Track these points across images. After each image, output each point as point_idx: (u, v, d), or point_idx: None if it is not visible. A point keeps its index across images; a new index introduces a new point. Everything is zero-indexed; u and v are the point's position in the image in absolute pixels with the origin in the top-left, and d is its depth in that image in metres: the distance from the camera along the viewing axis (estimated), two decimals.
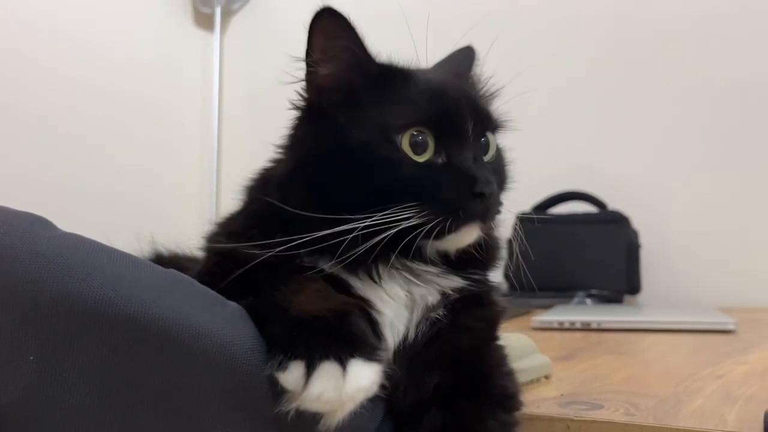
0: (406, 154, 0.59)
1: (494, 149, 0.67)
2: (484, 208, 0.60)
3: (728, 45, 1.90)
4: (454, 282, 0.63)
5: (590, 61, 2.07)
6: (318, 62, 0.61)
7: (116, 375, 0.44)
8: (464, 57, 0.74)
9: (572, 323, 1.36)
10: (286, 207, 0.58)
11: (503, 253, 0.71)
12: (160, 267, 0.49)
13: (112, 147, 2.07)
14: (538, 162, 2.09)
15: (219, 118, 2.42)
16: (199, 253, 0.67)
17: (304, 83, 0.63)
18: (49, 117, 1.92)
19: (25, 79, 1.88)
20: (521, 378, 0.80)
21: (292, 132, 0.65)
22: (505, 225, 2.00)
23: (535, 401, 0.73)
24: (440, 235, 0.58)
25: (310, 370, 0.46)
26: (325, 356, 0.47)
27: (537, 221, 1.94)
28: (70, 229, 0.52)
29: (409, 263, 0.60)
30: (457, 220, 0.58)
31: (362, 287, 0.58)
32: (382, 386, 0.58)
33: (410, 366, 0.58)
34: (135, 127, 2.14)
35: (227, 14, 2.51)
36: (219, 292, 0.53)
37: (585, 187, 1.99)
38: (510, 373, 0.64)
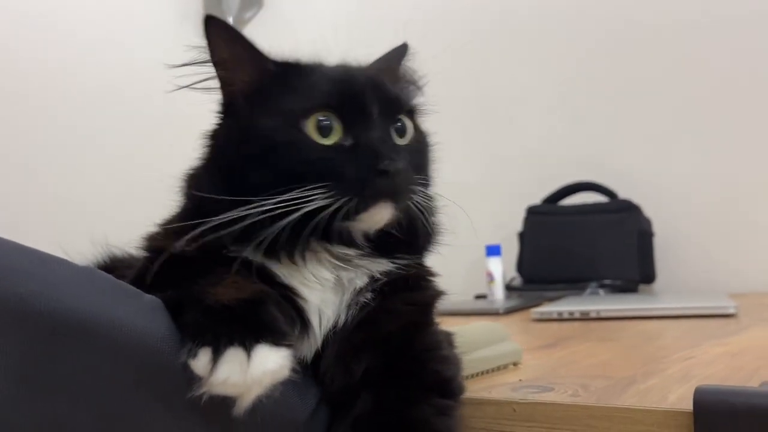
0: (311, 138, 0.62)
1: (411, 133, 0.68)
2: (390, 185, 0.60)
3: (738, 32, 1.87)
4: (380, 265, 0.64)
5: (597, 52, 2.05)
6: (219, 65, 0.66)
7: (32, 366, 0.47)
8: (397, 53, 0.75)
9: (571, 313, 1.36)
10: (203, 194, 0.61)
11: (439, 238, 0.71)
12: (75, 264, 0.52)
13: (129, 153, 2.12)
14: (546, 154, 2.10)
15: None
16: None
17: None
18: (65, 123, 1.99)
19: (46, 86, 1.95)
20: (486, 365, 0.82)
21: (211, 131, 0.69)
22: (515, 218, 2.01)
23: (490, 387, 0.74)
24: (349, 215, 0.60)
25: (216, 355, 0.49)
26: (230, 342, 0.49)
27: (548, 213, 1.96)
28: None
29: (331, 247, 0.62)
30: (364, 200, 0.60)
31: (287, 275, 0.60)
32: (314, 372, 0.61)
33: (338, 351, 0.60)
34: (152, 138, 2.19)
35: (240, 23, 2.55)
36: (148, 287, 0.56)
37: (595, 178, 1.98)
38: (447, 358, 0.64)
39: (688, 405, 0.60)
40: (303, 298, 0.60)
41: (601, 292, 1.78)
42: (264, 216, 0.58)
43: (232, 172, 0.63)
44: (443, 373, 0.62)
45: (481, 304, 1.71)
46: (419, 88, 0.74)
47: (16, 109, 1.91)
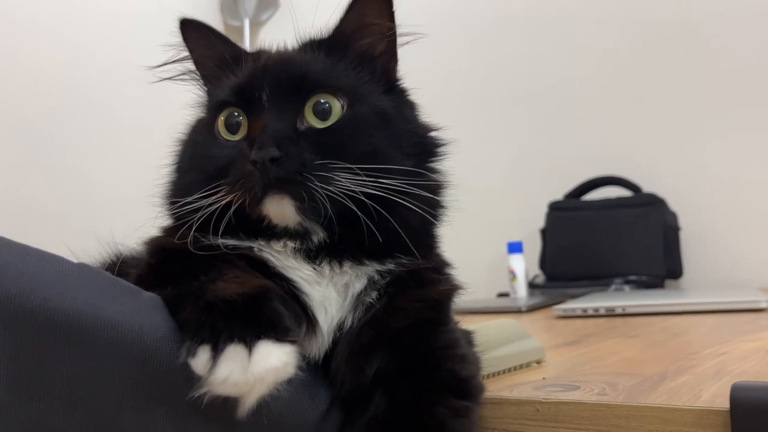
0: (221, 135, 0.62)
1: (339, 112, 0.61)
2: (266, 176, 0.56)
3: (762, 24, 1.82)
4: (370, 267, 0.60)
5: (621, 45, 2.01)
6: (199, 64, 0.68)
7: (22, 368, 0.45)
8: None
9: (596, 309, 1.32)
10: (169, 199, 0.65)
11: (434, 232, 0.67)
12: (68, 260, 0.49)
13: (148, 156, 2.12)
14: (568, 149, 2.05)
15: None
16: None
17: None
18: (74, 121, 2.00)
19: (54, 84, 1.96)
20: (508, 363, 0.79)
21: None
22: (537, 214, 1.97)
23: (511, 386, 0.71)
24: (247, 211, 0.58)
25: (215, 353, 0.46)
26: (230, 339, 0.46)
27: (570, 209, 1.91)
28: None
29: (266, 244, 0.60)
30: (253, 194, 0.57)
31: (286, 270, 0.58)
32: (324, 373, 0.58)
33: (347, 352, 0.57)
34: (164, 137, 2.19)
35: (256, 26, 2.54)
36: (148, 285, 0.53)
37: (618, 172, 1.93)
38: (464, 357, 0.60)
39: (723, 403, 0.56)
40: (305, 293, 0.57)
41: (627, 288, 1.74)
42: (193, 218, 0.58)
43: (176, 173, 0.66)
44: (460, 373, 0.59)
45: (503, 303, 1.68)
46: (389, 39, 0.67)
47: (23, 107, 1.91)
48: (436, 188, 0.65)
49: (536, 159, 2.10)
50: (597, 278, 1.79)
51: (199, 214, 0.58)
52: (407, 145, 0.63)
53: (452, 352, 0.60)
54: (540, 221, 1.97)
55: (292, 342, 0.49)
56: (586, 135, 2.04)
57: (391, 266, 0.61)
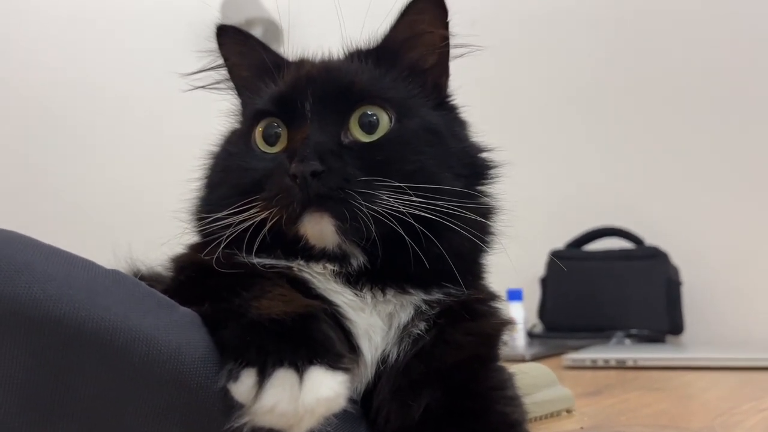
0: (258, 146, 0.58)
1: (384, 128, 0.57)
2: (306, 191, 0.51)
3: None
4: (416, 296, 0.56)
5: (627, 95, 2.00)
6: (234, 73, 0.66)
7: (39, 385, 0.39)
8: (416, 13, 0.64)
9: (606, 361, 1.27)
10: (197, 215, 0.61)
11: (481, 260, 0.63)
12: (100, 266, 0.44)
13: (173, 169, 2.06)
14: (571, 198, 2.02)
15: None
16: None
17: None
18: (93, 140, 1.97)
19: (74, 100, 1.93)
20: (539, 411, 0.74)
21: None
22: (537, 262, 1.92)
23: None
24: (283, 230, 0.54)
25: (262, 378, 0.41)
26: (279, 362, 0.41)
27: (572, 258, 1.87)
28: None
29: (305, 266, 0.55)
30: (289, 211, 0.52)
31: (329, 292, 0.53)
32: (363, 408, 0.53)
33: (394, 388, 0.52)
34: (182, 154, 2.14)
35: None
36: (180, 300, 0.48)
37: (620, 223, 1.90)
38: (513, 399, 0.56)
39: None
40: (349, 319, 0.52)
41: (627, 342, 1.69)
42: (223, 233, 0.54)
43: (207, 187, 0.62)
44: (510, 416, 0.54)
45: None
46: (441, 51, 0.64)
47: (42, 122, 1.87)
48: (486, 213, 0.61)
49: (537, 206, 2.06)
50: (597, 330, 1.74)
51: (229, 231, 0.53)
52: (458, 165, 0.59)
53: (502, 393, 0.55)
54: (539, 269, 1.93)
55: (345, 369, 0.44)
56: (588, 184, 2.01)
57: (438, 296, 0.56)
